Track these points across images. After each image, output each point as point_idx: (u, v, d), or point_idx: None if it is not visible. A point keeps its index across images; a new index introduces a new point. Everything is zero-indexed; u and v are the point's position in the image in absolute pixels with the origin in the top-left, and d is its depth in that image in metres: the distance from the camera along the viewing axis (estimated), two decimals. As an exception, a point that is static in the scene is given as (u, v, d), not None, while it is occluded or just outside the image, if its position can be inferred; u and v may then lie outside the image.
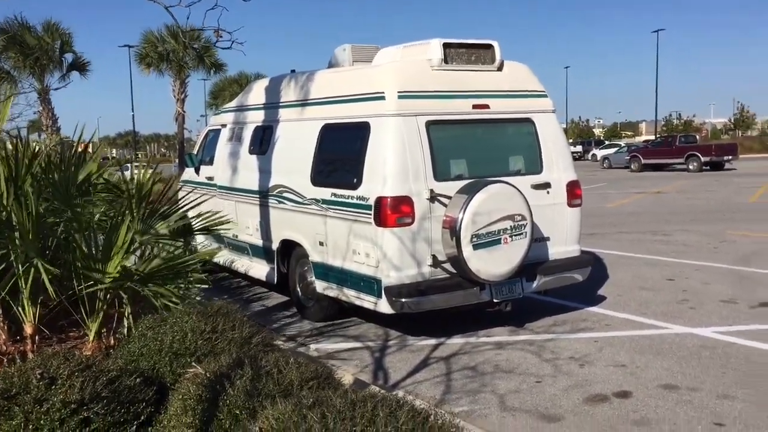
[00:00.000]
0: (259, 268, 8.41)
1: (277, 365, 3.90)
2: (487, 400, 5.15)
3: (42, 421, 3.67)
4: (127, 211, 5.07)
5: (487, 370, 5.80)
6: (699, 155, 33.22)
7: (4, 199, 5.05)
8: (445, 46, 6.73)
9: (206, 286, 5.52)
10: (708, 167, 33.09)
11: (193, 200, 6.13)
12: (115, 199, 5.73)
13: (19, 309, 5.23)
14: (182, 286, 4.97)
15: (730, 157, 33.82)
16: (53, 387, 3.81)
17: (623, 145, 50.62)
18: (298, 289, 7.66)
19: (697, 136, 42.50)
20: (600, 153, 47.68)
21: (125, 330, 5.28)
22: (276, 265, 7.93)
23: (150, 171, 5.81)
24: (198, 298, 5.23)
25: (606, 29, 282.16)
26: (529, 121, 7.10)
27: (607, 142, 60.91)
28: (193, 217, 6.28)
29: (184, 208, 6.00)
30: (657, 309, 7.53)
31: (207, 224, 6.05)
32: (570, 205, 7.16)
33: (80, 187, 5.45)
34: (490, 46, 7.02)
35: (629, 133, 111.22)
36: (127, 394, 3.94)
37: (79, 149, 5.93)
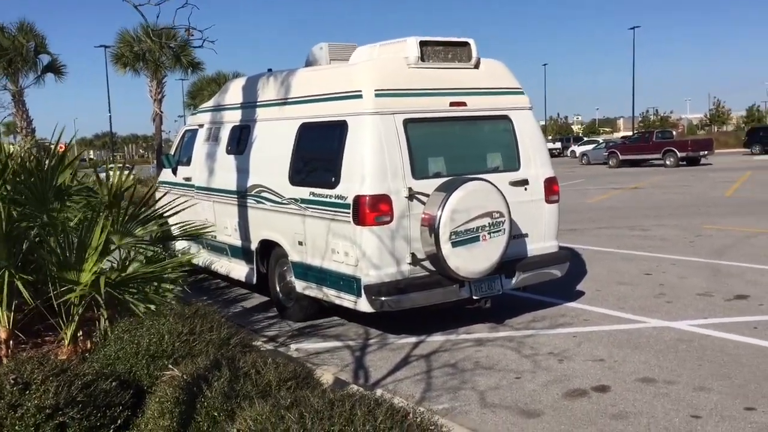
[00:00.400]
0: (238, 269, 8.36)
1: (255, 366, 3.88)
2: (467, 397, 5.16)
3: (17, 427, 3.62)
4: (101, 214, 5.00)
5: (467, 367, 5.81)
6: (675, 151, 33.58)
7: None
8: (422, 44, 6.73)
9: (184, 290, 5.48)
10: (684, 162, 33.48)
11: (174, 206, 6.07)
12: (90, 202, 5.65)
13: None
14: (160, 290, 4.92)
15: (706, 153, 34.23)
16: (27, 392, 3.76)
17: (601, 141, 51.01)
18: (278, 289, 7.63)
19: (674, 132, 42.97)
20: (578, 149, 48.03)
21: (101, 333, 5.22)
22: (255, 265, 7.89)
23: (126, 173, 5.75)
24: (173, 302, 5.17)
25: (583, 26, 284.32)
26: (506, 118, 7.13)
27: (585, 139, 61.34)
28: (174, 223, 6.22)
29: (165, 214, 5.94)
30: (634, 303, 7.60)
31: (187, 232, 6.00)
32: (548, 201, 7.20)
33: (56, 190, 5.37)
34: (466, 44, 7.04)
35: (607, 130, 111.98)
36: (103, 398, 3.90)
37: (57, 151, 5.85)
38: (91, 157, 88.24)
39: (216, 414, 3.55)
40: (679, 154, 33.34)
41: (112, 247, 5.03)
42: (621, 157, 36.12)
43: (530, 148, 7.16)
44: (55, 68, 24.61)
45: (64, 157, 5.70)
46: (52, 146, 5.96)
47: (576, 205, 17.14)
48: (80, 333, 5.32)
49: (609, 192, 21.48)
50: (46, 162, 5.50)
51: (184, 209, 6.17)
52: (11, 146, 7.02)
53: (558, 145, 58.88)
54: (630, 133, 53.57)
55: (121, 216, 5.34)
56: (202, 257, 9.03)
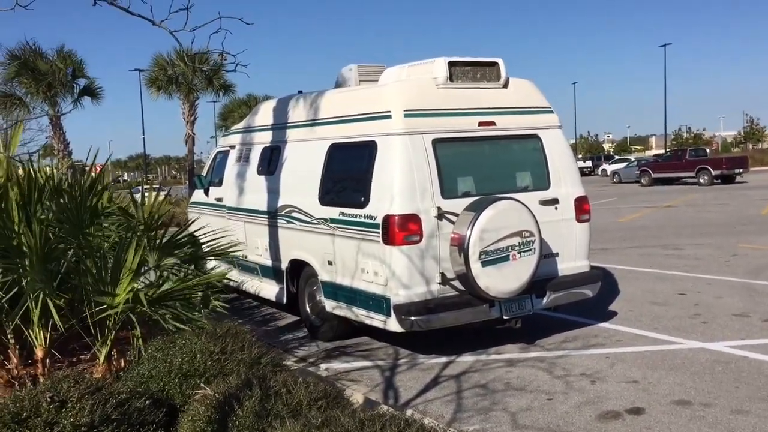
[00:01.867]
0: (268, 288, 8.42)
1: (285, 385, 3.90)
2: (498, 418, 5.11)
3: (52, 445, 3.68)
4: (134, 234, 5.10)
5: (498, 387, 5.76)
6: (710, 168, 33.07)
7: (16, 225, 5.10)
8: (451, 64, 6.77)
9: (216, 309, 5.54)
10: (719, 180, 32.93)
11: (207, 229, 6.16)
12: (125, 223, 5.76)
13: (30, 333, 5.26)
14: (193, 310, 4.99)
15: (741, 170, 33.64)
16: (63, 410, 3.82)
17: (633, 159, 50.50)
18: (308, 309, 7.66)
19: (708, 150, 42.31)
20: (610, 168, 47.56)
21: (135, 352, 5.29)
22: (285, 285, 7.94)
23: (160, 195, 5.86)
24: (206, 321, 5.22)
25: (613, 44, 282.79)
26: (535, 137, 7.11)
27: (616, 157, 60.80)
28: (205, 243, 6.31)
29: (197, 234, 6.04)
30: (669, 324, 7.47)
31: (218, 251, 6.08)
32: (578, 220, 7.14)
33: (92, 212, 5.49)
34: (495, 64, 7.05)
35: (639, 148, 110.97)
36: (137, 416, 3.95)
37: (92, 173, 5.98)
38: (125, 178, 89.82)
39: (247, 433, 3.58)
40: (714, 172, 32.82)
41: (147, 267, 5.12)
42: (653, 176, 35.66)
43: (560, 167, 7.13)
44: (91, 91, 25.17)
45: (99, 179, 5.83)
46: (87, 168, 6.11)
47: (608, 224, 16.96)
48: (114, 352, 5.41)
49: (641, 211, 21.21)
50: (80, 184, 5.62)
51: (216, 231, 6.25)
52: (48, 168, 7.19)
53: (589, 163, 58.39)
54: (662, 151, 52.98)
55: (157, 238, 5.43)
56: (233, 277, 9.11)
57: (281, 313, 8.74)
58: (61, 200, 5.42)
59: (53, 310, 4.75)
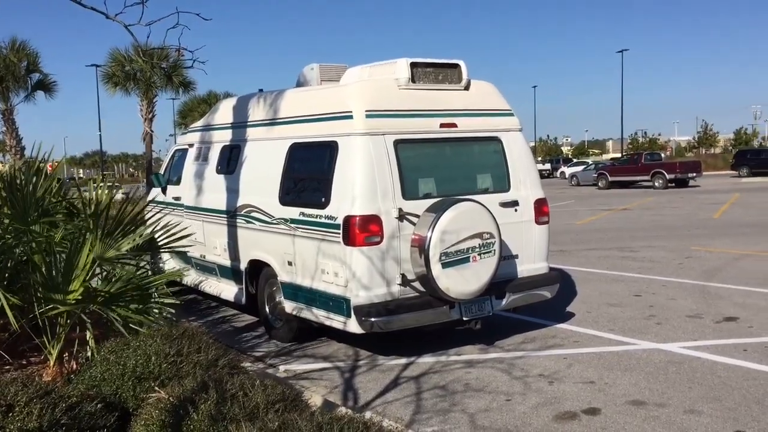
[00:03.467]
0: (227, 289, 8.30)
1: (243, 388, 3.84)
2: (457, 420, 5.12)
3: (-2, 451, 3.55)
4: (87, 232, 4.96)
5: (457, 389, 5.77)
6: (664, 172, 33.81)
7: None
8: (413, 65, 6.77)
9: (175, 305, 5.42)
10: (673, 184, 33.69)
11: (158, 217, 6.00)
12: (75, 218, 5.60)
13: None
14: (148, 308, 4.87)
15: (695, 174, 34.47)
16: (10, 414, 3.69)
17: (591, 162, 51.32)
18: (267, 310, 7.57)
19: (663, 154, 43.30)
20: (568, 171, 48.29)
21: (87, 354, 5.15)
22: (244, 285, 7.84)
23: (108, 188, 5.71)
24: (161, 321, 5.11)
25: (572, 49, 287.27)
26: (496, 139, 7.15)
27: (575, 160, 61.76)
28: (157, 231, 6.15)
29: (147, 224, 5.88)
30: (624, 325, 7.59)
31: (170, 239, 5.91)
32: (538, 222, 7.21)
33: (39, 207, 5.33)
34: (456, 66, 7.08)
35: (596, 151, 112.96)
36: (87, 420, 3.84)
37: (43, 168, 5.80)
38: (81, 175, 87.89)
39: (202, 437, 3.50)
40: (668, 176, 33.57)
41: (96, 262, 4.98)
42: (610, 179, 36.32)
43: (520, 170, 7.18)
44: (45, 86, 24.60)
45: (43, 172, 5.65)
46: (39, 164, 5.93)
47: (565, 227, 17.19)
48: (66, 354, 5.26)
49: (598, 213, 21.56)
50: (26, 177, 5.45)
51: (166, 221, 6.08)
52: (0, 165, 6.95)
53: (548, 166, 59.23)
54: (619, 155, 53.99)
55: (104, 230, 5.27)
56: (191, 277, 8.97)
57: (240, 314, 8.63)
58: (6, 193, 5.23)
59: (7, 308, 4.58)
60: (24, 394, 3.81)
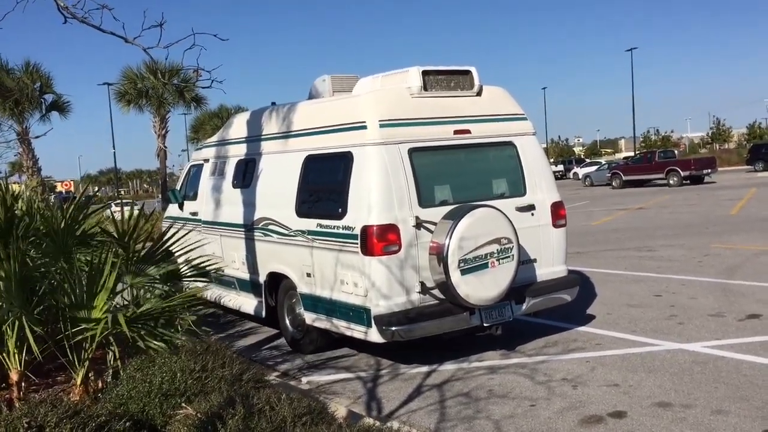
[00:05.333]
0: (247, 302, 8.34)
1: (269, 402, 3.86)
2: (482, 427, 5.11)
3: (31, 472, 3.59)
4: (111, 256, 5.02)
5: (480, 395, 5.76)
6: (679, 170, 33.60)
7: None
8: (424, 73, 6.79)
9: (198, 323, 5.47)
10: (688, 181, 33.47)
11: (185, 244, 6.07)
12: (103, 243, 5.67)
13: (5, 356, 5.13)
14: (172, 328, 4.91)
15: (709, 171, 34.24)
16: (41, 435, 3.73)
17: (604, 162, 51.11)
18: (287, 322, 7.60)
19: (676, 151, 43.00)
20: (581, 171, 48.13)
21: (113, 372, 5.19)
22: (264, 298, 7.88)
23: (135, 211, 5.79)
24: (185, 339, 5.15)
25: (581, 49, 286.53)
26: (510, 144, 7.16)
27: (587, 161, 61.53)
28: (183, 261, 6.22)
29: (176, 253, 5.96)
30: (646, 326, 7.55)
31: (198, 270, 6.00)
32: (555, 225, 7.19)
33: (78, 237, 5.41)
34: (468, 72, 7.09)
35: (609, 151, 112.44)
36: (117, 439, 3.87)
37: (65, 191, 5.88)
38: (97, 193, 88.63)
39: (231, 452, 3.52)
40: (683, 173, 33.35)
41: (124, 286, 5.03)
42: (624, 178, 36.14)
43: (535, 173, 7.18)
44: (59, 106, 24.88)
45: (87, 206, 5.70)
46: (56, 184, 6.01)
47: (582, 228, 17.12)
48: (91, 373, 5.30)
49: (614, 213, 21.45)
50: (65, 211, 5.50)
51: (194, 248, 6.17)
52: (16, 185, 7.06)
53: (560, 167, 59.01)
54: (632, 154, 53.70)
55: (134, 255, 5.35)
56: (211, 291, 9.02)
57: (260, 326, 8.66)
58: (46, 230, 5.30)
59: (30, 337, 4.63)
60: (54, 415, 3.85)
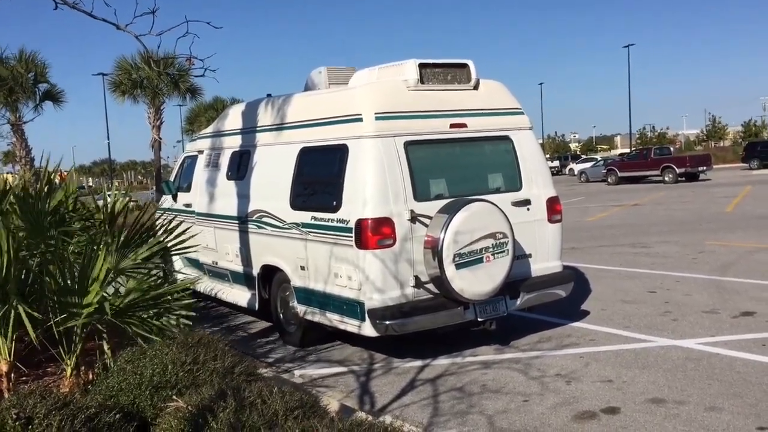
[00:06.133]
0: (240, 295, 8.30)
1: (260, 395, 3.82)
2: (475, 422, 5.09)
3: (19, 463, 3.54)
4: (102, 243, 4.96)
5: (474, 390, 5.74)
6: (674, 167, 33.67)
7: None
8: (421, 66, 6.75)
9: (192, 315, 5.42)
10: (683, 178, 33.54)
11: (170, 226, 6.00)
12: (89, 228, 5.61)
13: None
14: (164, 318, 4.86)
15: (705, 168, 34.30)
16: (30, 427, 3.69)
17: (599, 158, 51.14)
18: (281, 315, 7.56)
19: (672, 148, 43.03)
20: (577, 167, 48.16)
21: (103, 364, 5.15)
22: (257, 290, 7.83)
23: (122, 196, 5.73)
24: (176, 331, 5.10)
25: (578, 45, 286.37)
26: (506, 138, 7.12)
27: (583, 157, 61.58)
28: (169, 240, 6.15)
29: (160, 233, 5.89)
30: (640, 322, 7.54)
31: (183, 245, 5.91)
32: (550, 221, 7.17)
33: (53, 217, 5.34)
34: (465, 65, 7.05)
35: (605, 147, 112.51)
36: (106, 431, 3.83)
37: (54, 179, 5.82)
38: (90, 184, 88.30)
39: (222, 446, 3.49)
40: (678, 170, 33.42)
41: (111, 275, 4.98)
42: (620, 174, 36.19)
43: (531, 169, 7.14)
44: (53, 96, 24.72)
45: (52, 182, 5.66)
46: (49, 173, 5.94)
47: (577, 224, 17.12)
48: (82, 364, 5.25)
49: (609, 209, 21.46)
50: (40, 188, 5.45)
51: (180, 229, 6.08)
52: (9, 176, 6.99)
53: (556, 163, 59.06)
54: (628, 150, 53.73)
55: (118, 239, 5.28)
56: (204, 284, 8.97)
57: (253, 319, 8.63)
58: (20, 206, 5.24)
59: (26, 321, 4.58)
60: (43, 406, 3.80)
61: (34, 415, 3.75)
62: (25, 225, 5.15)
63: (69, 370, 5.05)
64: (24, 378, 5.52)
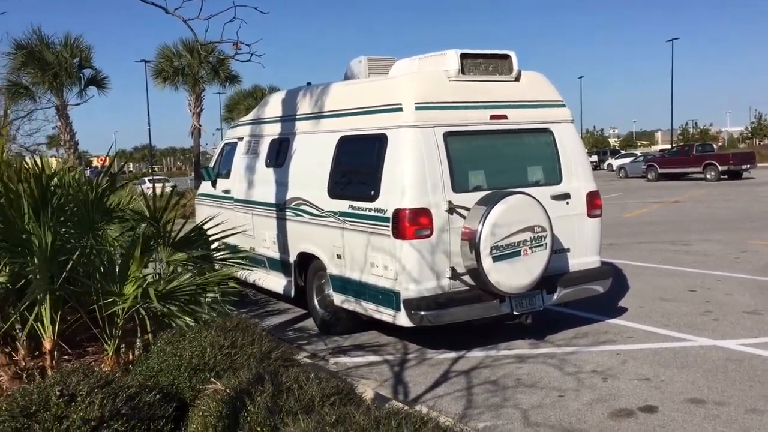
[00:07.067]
0: (276, 281, 8.38)
1: (297, 381, 3.85)
2: (509, 415, 5.06)
3: (62, 439, 3.64)
4: (144, 233, 5.06)
5: (508, 384, 5.71)
6: (716, 164, 32.92)
7: (26, 223, 5.04)
8: (462, 56, 6.70)
9: (234, 300, 5.50)
10: (726, 176, 32.77)
11: (221, 229, 6.09)
12: (136, 221, 5.71)
13: (38, 325, 5.22)
14: (203, 304, 4.94)
15: (748, 166, 33.46)
16: (73, 404, 3.78)
17: (639, 154, 50.27)
18: (316, 303, 7.61)
19: (714, 145, 42.11)
20: (616, 162, 47.40)
21: (143, 345, 5.25)
22: (293, 278, 7.90)
23: (168, 188, 5.82)
24: (214, 315, 5.18)
25: (620, 39, 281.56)
26: (547, 131, 7.04)
27: (622, 152, 60.56)
28: (215, 243, 6.23)
29: (210, 237, 6.01)
30: (680, 321, 7.41)
31: (232, 255, 6.04)
32: (590, 215, 7.07)
33: (104, 213, 5.45)
34: (507, 56, 6.98)
35: (645, 143, 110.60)
36: (146, 410, 3.91)
37: (101, 166, 5.93)
38: (131, 169, 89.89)
39: (259, 429, 3.53)
40: (721, 168, 32.67)
41: (159, 263, 5.08)
42: (660, 171, 35.52)
43: (572, 162, 7.05)
44: (97, 82, 25.14)
45: (114, 182, 5.74)
46: (93, 159, 6.06)
47: (615, 219, 16.86)
48: (122, 345, 5.36)
49: (648, 206, 21.11)
50: (94, 186, 5.53)
51: (231, 234, 6.18)
52: (54, 159, 7.13)
53: (594, 158, 58.13)
54: (668, 146, 52.76)
55: (165, 233, 5.38)
56: (241, 270, 9.05)
57: (288, 306, 8.70)
58: (73, 197, 5.34)
59: (60, 302, 4.70)
60: (86, 384, 3.89)
61: (77, 393, 3.84)
62: (75, 221, 5.25)
63: (111, 351, 5.16)
64: (66, 357, 5.65)
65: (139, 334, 5.40)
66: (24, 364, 5.39)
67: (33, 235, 4.97)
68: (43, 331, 5.19)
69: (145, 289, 4.76)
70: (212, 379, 4.21)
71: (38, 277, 4.96)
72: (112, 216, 5.55)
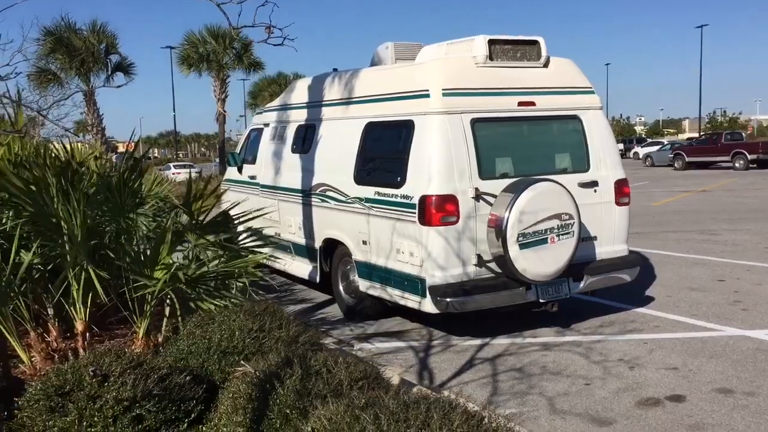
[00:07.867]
0: (301, 267, 8.43)
1: (326, 365, 3.88)
2: (535, 403, 5.06)
3: (96, 418, 3.71)
4: (170, 216, 5.13)
5: (534, 371, 5.70)
6: (746, 153, 32.35)
7: (55, 207, 5.13)
8: (490, 42, 6.64)
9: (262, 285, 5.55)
10: (755, 165, 32.20)
11: (247, 214, 6.15)
12: (164, 208, 5.79)
13: (71, 307, 5.31)
14: (232, 288, 5.00)
15: (778, 155, 32.83)
16: (106, 384, 3.85)
17: (666, 142, 49.59)
18: (341, 288, 7.65)
19: (743, 134, 41.35)
20: (642, 151, 46.80)
21: (173, 328, 5.33)
22: (319, 263, 7.94)
23: (194, 174, 5.89)
24: (242, 299, 5.24)
25: (647, 25, 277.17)
26: (575, 118, 6.97)
27: (649, 140, 59.77)
28: (245, 230, 6.29)
29: (237, 219, 6.07)
30: (708, 310, 7.33)
31: (260, 241, 6.10)
32: (618, 203, 7.01)
33: (134, 198, 5.53)
34: (535, 42, 6.91)
35: (672, 131, 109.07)
36: (177, 391, 3.97)
37: (129, 151, 6.00)
38: (156, 155, 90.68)
39: (288, 411, 3.57)
40: (750, 157, 32.10)
41: (187, 246, 5.14)
42: (687, 159, 35.00)
43: (600, 149, 6.98)
44: (124, 68, 25.39)
45: (137, 168, 5.81)
46: (119, 145, 6.15)
47: (641, 208, 16.67)
48: (151, 327, 5.45)
49: (676, 195, 20.85)
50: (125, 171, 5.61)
51: (257, 216, 6.24)
52: (80, 144, 7.23)
53: (620, 146, 57.45)
54: (696, 135, 51.99)
55: (196, 221, 5.45)
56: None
57: (314, 291, 8.75)
58: (104, 193, 5.43)
59: (96, 282, 4.78)
60: (118, 365, 3.97)
61: (110, 373, 3.91)
62: (106, 203, 5.33)
63: (141, 332, 5.25)
64: (97, 338, 5.76)
65: (166, 317, 5.49)
66: (56, 345, 5.51)
67: (62, 219, 5.05)
68: (75, 313, 5.29)
69: (174, 274, 4.82)
70: (242, 362, 4.25)
71: (69, 258, 5.04)
72: (142, 200, 5.63)
